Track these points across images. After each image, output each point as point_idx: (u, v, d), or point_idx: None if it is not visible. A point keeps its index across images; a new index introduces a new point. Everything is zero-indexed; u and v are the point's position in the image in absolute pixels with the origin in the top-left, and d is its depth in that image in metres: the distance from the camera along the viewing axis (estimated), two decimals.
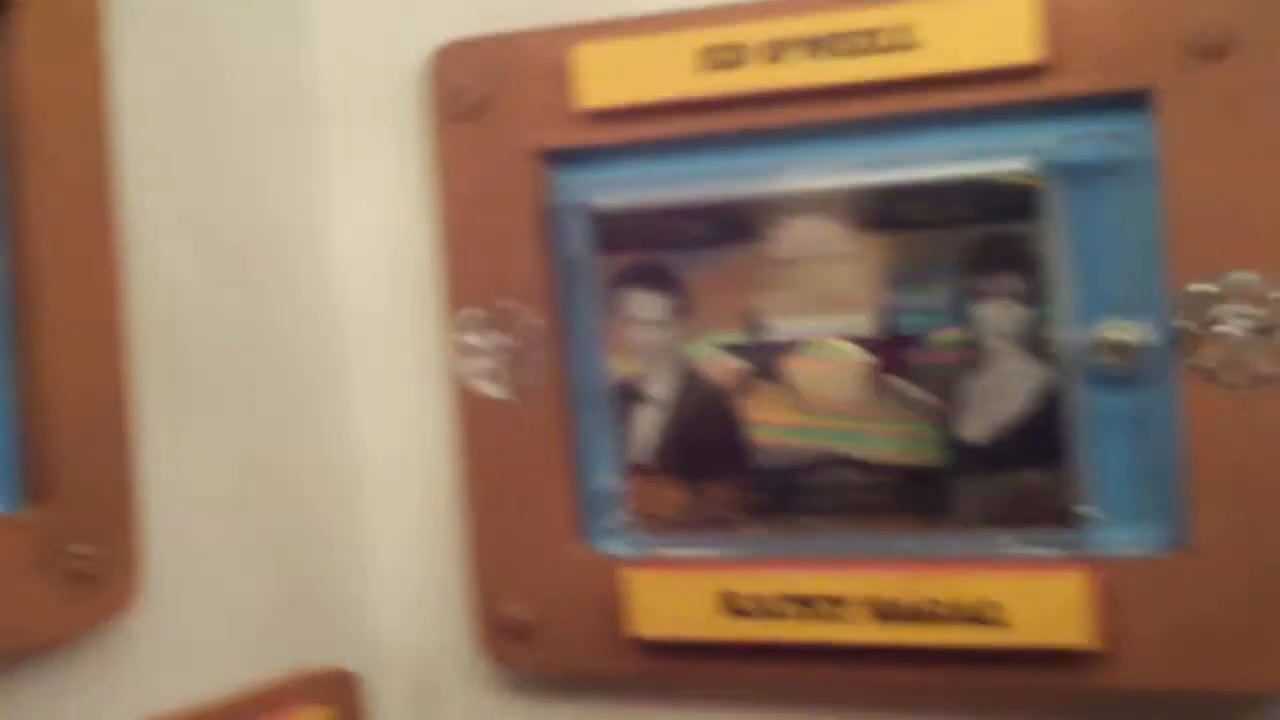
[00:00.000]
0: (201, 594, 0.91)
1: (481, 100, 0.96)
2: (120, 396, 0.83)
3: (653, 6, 0.93)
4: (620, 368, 0.95)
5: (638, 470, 0.95)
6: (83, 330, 0.81)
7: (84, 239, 0.81)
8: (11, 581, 0.76)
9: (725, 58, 0.90)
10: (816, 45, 0.88)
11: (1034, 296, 0.86)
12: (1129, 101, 0.83)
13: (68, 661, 0.82)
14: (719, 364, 0.94)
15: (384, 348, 1.03)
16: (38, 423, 0.79)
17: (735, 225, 0.92)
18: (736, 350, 0.93)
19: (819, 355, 0.91)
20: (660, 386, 0.95)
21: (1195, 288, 0.82)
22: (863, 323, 0.90)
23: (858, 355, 0.90)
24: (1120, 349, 0.84)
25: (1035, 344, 0.86)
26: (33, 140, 0.78)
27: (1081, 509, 0.85)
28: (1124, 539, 0.86)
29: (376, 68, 1.02)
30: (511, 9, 0.97)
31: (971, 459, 0.88)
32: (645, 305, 0.95)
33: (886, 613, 0.87)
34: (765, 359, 0.93)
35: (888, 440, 0.89)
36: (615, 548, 0.96)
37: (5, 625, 0.76)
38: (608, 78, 0.93)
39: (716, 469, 0.94)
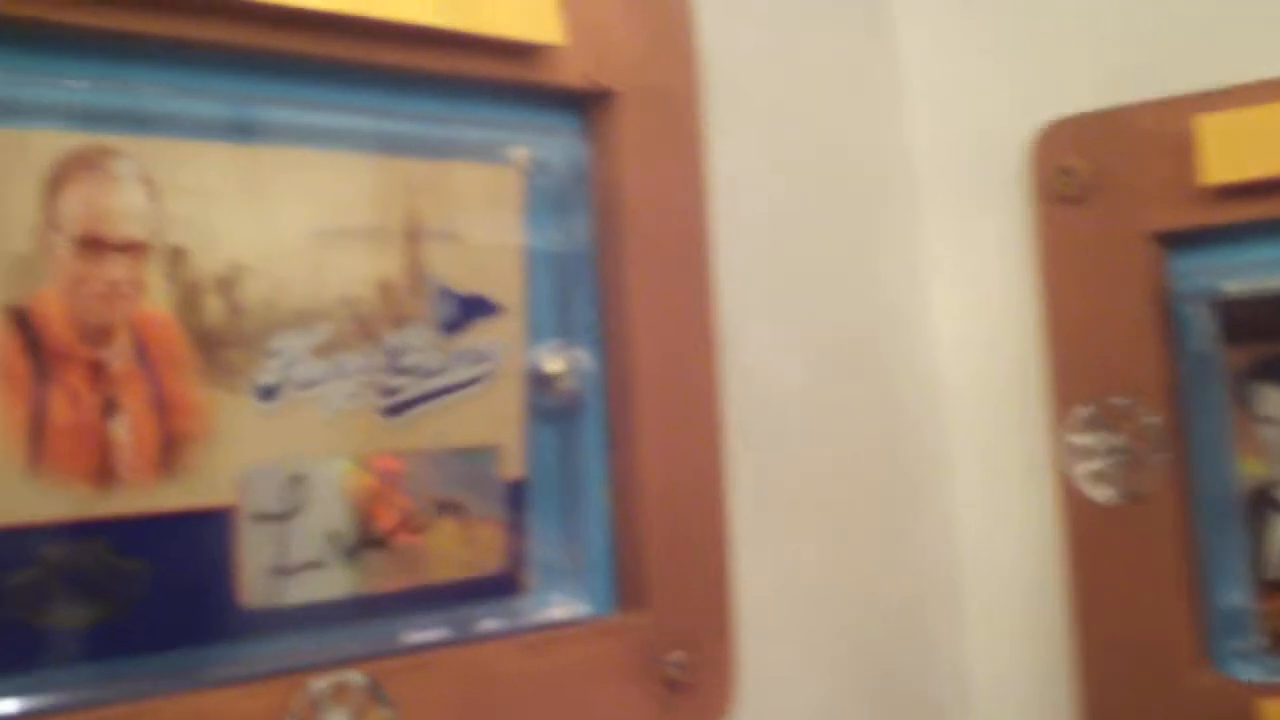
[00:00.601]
0: (792, 701, 0.87)
1: (1091, 179, 0.88)
2: (715, 499, 0.81)
3: None
4: (1251, 471, 0.84)
5: (1273, 587, 0.84)
6: (678, 431, 0.79)
7: (680, 335, 0.80)
8: (608, 687, 0.75)
9: None
10: None
11: None
12: None
13: None
14: None
15: (986, 447, 0.97)
16: (633, 526, 0.77)
17: None
18: None
19: None
20: None
21: None
22: None
23: None
24: None
25: None
26: (630, 233, 0.77)
27: None
28: None
29: (977, 146, 0.96)
30: (1123, 79, 0.89)
31: None
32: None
33: None
34: None
35: None
36: (1248, 673, 0.84)
37: None
38: (1233, 150, 0.82)
39: None
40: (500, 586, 0.72)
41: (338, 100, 0.68)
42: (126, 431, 0.59)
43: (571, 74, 0.76)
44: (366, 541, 0.67)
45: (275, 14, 0.64)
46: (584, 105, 0.78)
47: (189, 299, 0.61)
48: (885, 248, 0.97)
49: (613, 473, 0.78)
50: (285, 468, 0.64)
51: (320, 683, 0.63)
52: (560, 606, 0.75)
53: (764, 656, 0.84)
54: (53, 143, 0.57)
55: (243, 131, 0.63)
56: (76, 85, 0.58)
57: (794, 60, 0.91)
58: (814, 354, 0.90)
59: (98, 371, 0.58)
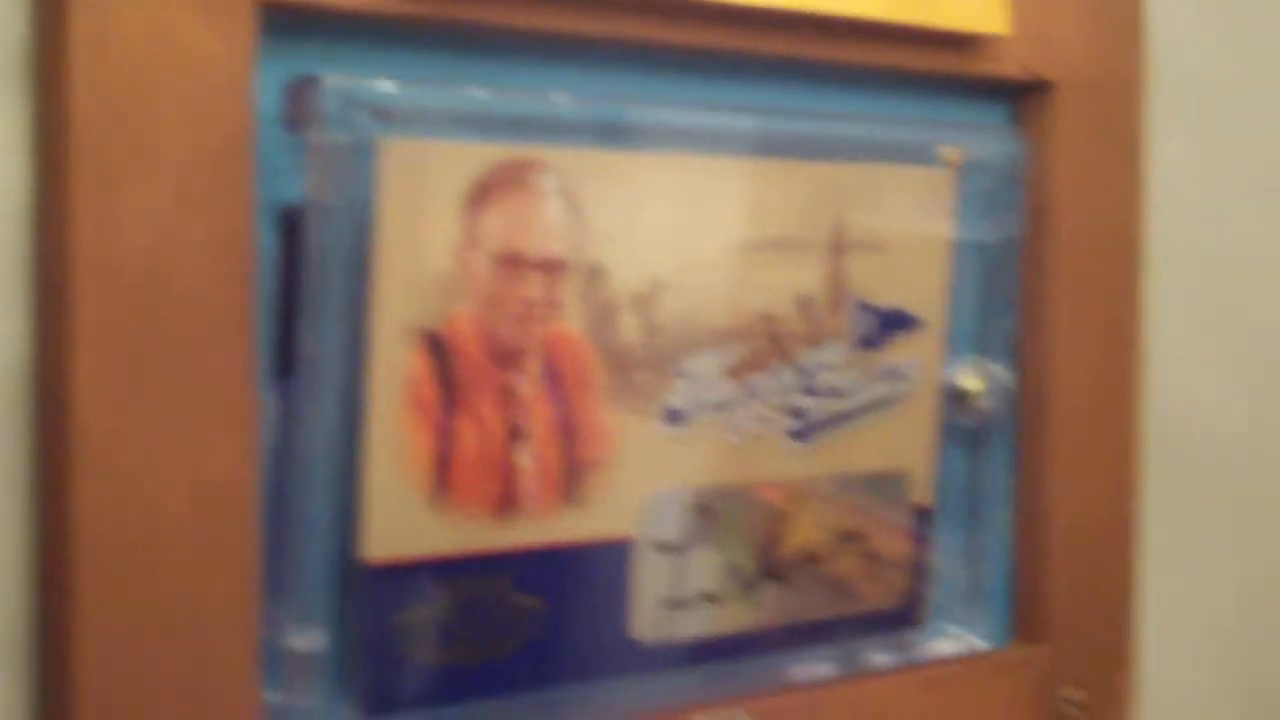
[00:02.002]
0: None
1: None
2: (1127, 529, 0.71)
3: None
4: None
5: None
6: (1092, 456, 0.70)
7: (1104, 351, 0.70)
8: None
9: None
10: None
11: None
12: None
13: None
14: None
15: None
16: (1037, 554, 0.69)
17: None
18: None
19: None
20: None
21: None
22: None
23: None
24: None
25: None
26: (1059, 236, 0.68)
27: None
28: None
29: None
30: None
31: None
32: None
33: None
34: None
35: None
36: None
37: None
38: None
39: None
40: (895, 619, 0.65)
41: (767, 102, 0.60)
42: (531, 459, 0.53)
43: (1009, 65, 0.66)
44: (767, 574, 0.60)
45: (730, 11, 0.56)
46: (1018, 98, 0.68)
47: (604, 318, 0.54)
48: None
49: (1019, 497, 0.69)
50: (688, 496, 0.58)
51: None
52: (954, 639, 0.67)
53: (1165, 698, 0.75)
54: (474, 154, 0.51)
55: (652, 138, 0.55)
56: (486, 94, 0.52)
57: (1246, 52, 0.78)
58: (1246, 374, 0.79)
59: (507, 396, 0.53)
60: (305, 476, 0.49)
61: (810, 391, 0.60)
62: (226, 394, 0.47)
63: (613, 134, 0.54)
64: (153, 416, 0.46)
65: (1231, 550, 0.79)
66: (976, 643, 0.68)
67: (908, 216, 0.62)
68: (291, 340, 0.49)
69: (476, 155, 0.51)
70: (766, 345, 0.59)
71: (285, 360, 0.49)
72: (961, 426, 0.66)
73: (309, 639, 0.50)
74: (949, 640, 0.67)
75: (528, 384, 0.53)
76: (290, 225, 0.49)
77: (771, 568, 0.60)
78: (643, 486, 0.56)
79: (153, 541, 0.46)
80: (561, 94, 0.54)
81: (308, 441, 0.49)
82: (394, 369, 0.50)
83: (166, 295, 0.46)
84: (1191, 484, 0.77)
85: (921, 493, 0.65)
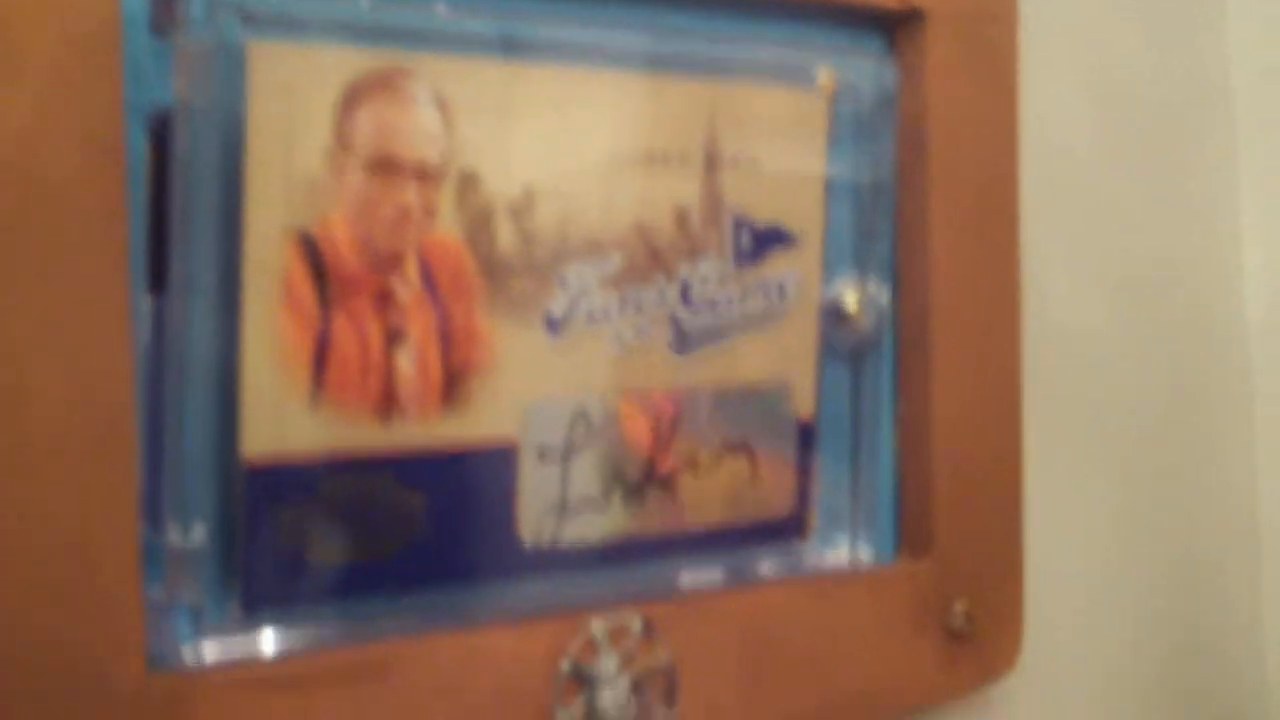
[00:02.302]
0: (1078, 656, 0.80)
1: None
2: (1009, 445, 0.73)
3: None
4: None
5: None
6: (973, 373, 0.71)
7: (980, 271, 0.72)
8: (890, 637, 0.69)
9: None
10: None
11: None
12: None
13: None
14: None
15: None
16: (921, 469, 0.70)
17: None
18: None
19: None
20: None
21: None
22: None
23: None
24: None
25: None
26: (934, 163, 0.69)
27: None
28: None
29: None
30: None
31: None
32: None
33: None
34: None
35: None
36: None
37: (881, 684, 0.68)
38: None
39: None
40: (782, 530, 0.66)
41: (641, 19, 0.61)
42: (411, 362, 0.54)
43: None
44: (649, 480, 0.61)
45: None
46: (892, 26, 0.69)
47: (480, 225, 0.55)
48: (1198, 181, 0.86)
49: (902, 414, 0.71)
50: (569, 403, 0.59)
51: (599, 624, 0.58)
52: (842, 552, 0.69)
53: (1050, 609, 0.77)
54: (345, 61, 0.52)
55: (533, 50, 0.57)
56: (364, 1, 0.53)
57: None
58: (1116, 291, 0.81)
59: (384, 300, 0.54)
60: (183, 375, 0.50)
61: (690, 304, 0.61)
62: (99, 290, 0.48)
63: (489, 45, 0.56)
64: (23, 313, 0.47)
65: (1112, 466, 0.81)
66: (864, 556, 0.69)
67: (782, 136, 0.64)
68: (165, 244, 0.50)
69: (347, 61, 0.52)
70: (645, 257, 0.60)
71: (160, 263, 0.50)
72: (841, 344, 0.68)
73: (190, 536, 0.50)
74: (836, 553, 0.68)
75: (405, 288, 0.54)
76: (160, 130, 0.50)
77: (655, 475, 0.61)
78: (525, 393, 0.57)
79: (26, 440, 0.47)
80: (441, 4, 0.55)
81: (185, 341, 0.50)
82: (268, 269, 0.51)
83: (35, 191, 0.46)
84: (1070, 402, 0.79)
85: (804, 407, 0.66)
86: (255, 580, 0.52)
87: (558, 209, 0.57)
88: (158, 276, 0.50)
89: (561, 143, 0.57)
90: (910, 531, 0.71)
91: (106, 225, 0.48)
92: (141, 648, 0.49)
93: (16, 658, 0.47)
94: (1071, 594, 0.79)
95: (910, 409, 0.70)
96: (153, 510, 0.50)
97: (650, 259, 0.60)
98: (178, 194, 0.49)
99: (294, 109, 0.51)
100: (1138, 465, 0.82)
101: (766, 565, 0.66)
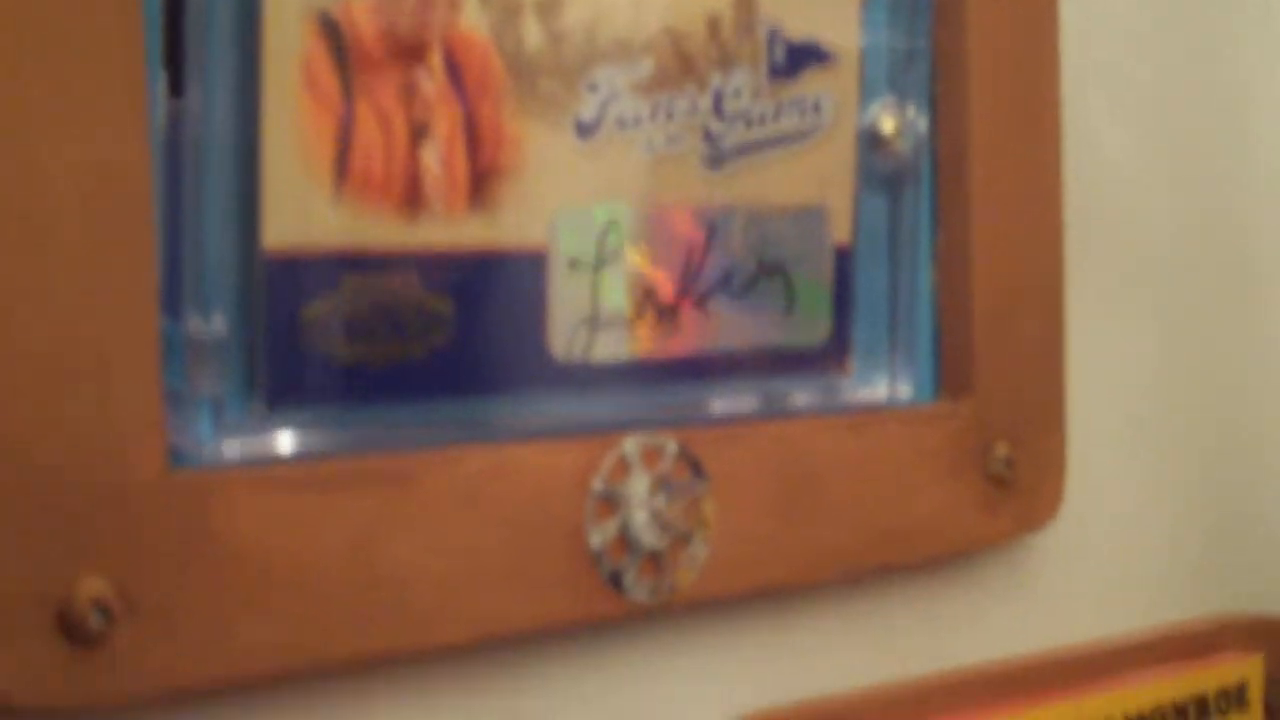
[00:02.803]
0: (1120, 516, 0.77)
1: None
2: (1051, 286, 0.70)
3: None
4: None
5: None
6: (1013, 206, 0.69)
7: (1019, 101, 0.69)
8: (930, 478, 0.66)
9: None
10: None
11: None
12: None
13: (981, 572, 0.71)
14: None
15: None
16: (959, 305, 0.68)
17: None
18: None
19: None
20: None
21: None
22: None
23: None
24: None
25: None
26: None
27: None
28: None
29: None
30: None
31: None
32: None
33: None
34: None
35: None
36: None
37: (918, 525, 0.66)
38: None
39: None
40: (818, 360, 0.64)
41: None
42: (437, 159, 0.52)
43: None
44: (682, 299, 0.59)
45: None
46: None
47: (506, 21, 0.53)
48: (1244, 22, 0.83)
49: (940, 249, 0.68)
50: (601, 212, 0.56)
51: (632, 443, 0.56)
52: (880, 389, 0.66)
53: (1092, 456, 0.74)
54: None
55: None
56: None
57: None
58: (1159, 137, 0.78)
59: (409, 92, 0.51)
60: (201, 162, 0.48)
61: (724, 116, 0.59)
62: (114, 75, 0.45)
63: None
64: (34, 101, 0.44)
65: (1155, 318, 0.79)
66: (903, 394, 0.67)
67: None
68: (182, 29, 0.47)
69: None
70: (676, 64, 0.57)
71: (177, 48, 0.48)
72: (879, 171, 0.65)
73: (210, 326, 0.48)
74: (874, 389, 0.66)
75: (431, 82, 0.52)
76: None
77: (689, 295, 0.59)
78: (553, 199, 0.55)
79: (41, 228, 0.45)
80: None
81: (204, 126, 0.48)
82: (288, 51, 0.48)
83: None
84: (1111, 249, 0.76)
85: (841, 231, 0.64)
86: (276, 374, 0.50)
87: (586, 9, 0.55)
88: (175, 63, 0.48)
89: None
90: (950, 371, 0.68)
91: (121, 5, 0.45)
92: (163, 441, 0.46)
93: (36, 451, 0.45)
94: (1114, 449, 0.77)
95: (949, 242, 0.68)
96: (172, 301, 0.48)
97: (682, 66, 0.57)
98: None
99: None
100: (1180, 312, 0.80)
101: (802, 397, 0.63)
